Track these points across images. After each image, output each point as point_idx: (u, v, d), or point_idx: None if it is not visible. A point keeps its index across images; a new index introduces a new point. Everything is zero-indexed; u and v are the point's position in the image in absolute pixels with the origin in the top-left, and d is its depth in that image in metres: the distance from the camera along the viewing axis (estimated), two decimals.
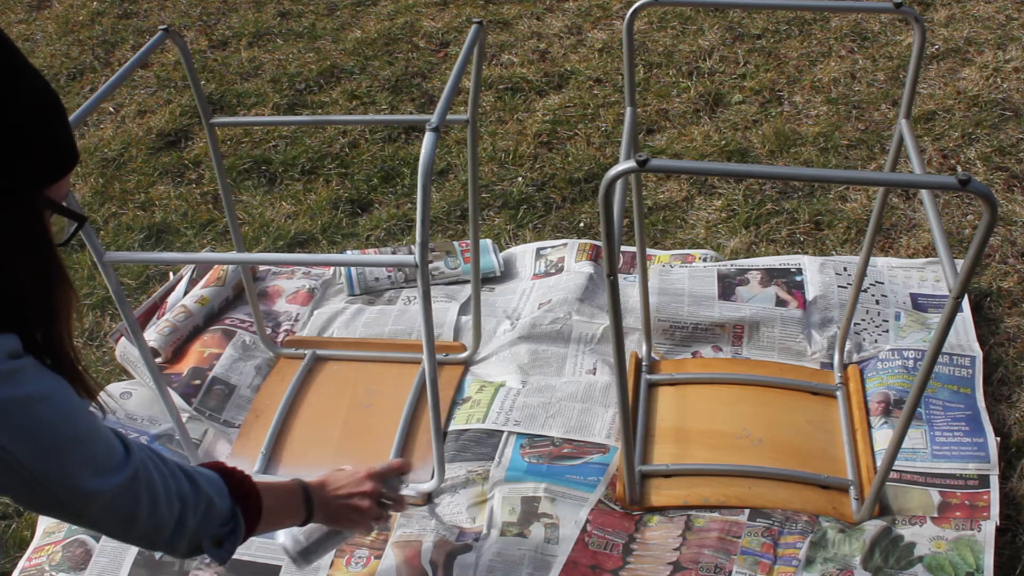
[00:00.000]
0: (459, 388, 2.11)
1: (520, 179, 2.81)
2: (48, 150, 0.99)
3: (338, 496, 1.46)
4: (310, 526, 1.50)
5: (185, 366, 2.14)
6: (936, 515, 1.74)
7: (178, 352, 2.20)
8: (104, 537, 1.77)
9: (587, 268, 2.36)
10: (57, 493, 1.03)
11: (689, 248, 2.49)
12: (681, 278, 2.32)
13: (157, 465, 1.14)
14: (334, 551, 1.66)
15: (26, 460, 0.99)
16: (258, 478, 1.37)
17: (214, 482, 1.23)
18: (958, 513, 1.74)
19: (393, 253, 2.47)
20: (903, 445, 1.64)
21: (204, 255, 2.47)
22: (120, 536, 1.14)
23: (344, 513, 1.47)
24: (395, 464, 1.57)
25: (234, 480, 1.27)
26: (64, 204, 1.05)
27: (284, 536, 1.54)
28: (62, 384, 1.04)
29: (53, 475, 1.02)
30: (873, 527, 1.70)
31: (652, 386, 2.06)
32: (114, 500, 1.08)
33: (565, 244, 2.48)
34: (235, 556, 1.71)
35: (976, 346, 2.10)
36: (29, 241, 1.00)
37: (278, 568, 1.72)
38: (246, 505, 1.26)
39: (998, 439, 1.87)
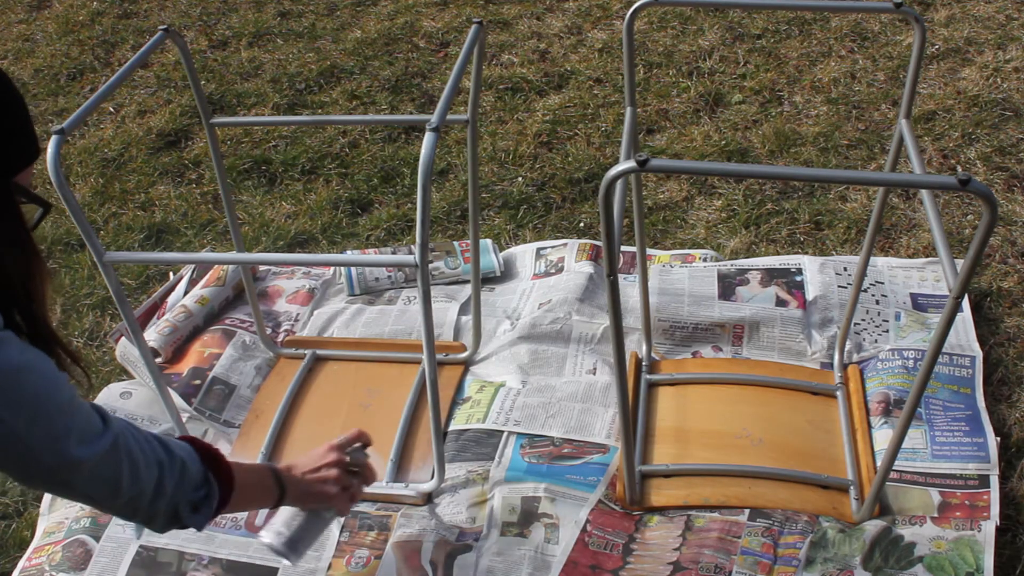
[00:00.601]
0: (459, 388, 2.11)
1: (520, 179, 2.81)
2: (19, 141, 1.09)
3: (306, 473, 1.48)
4: (287, 516, 1.53)
5: (185, 366, 2.14)
6: (936, 515, 1.74)
7: (178, 352, 2.20)
8: (104, 537, 1.77)
9: (587, 268, 2.36)
10: (46, 461, 1.09)
11: (689, 248, 2.49)
12: (681, 278, 2.32)
13: (133, 433, 1.21)
14: (319, 536, 1.63)
15: (18, 428, 1.05)
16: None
17: (185, 448, 1.29)
18: (958, 513, 1.74)
19: (393, 253, 2.47)
20: (903, 445, 1.64)
21: (204, 255, 2.47)
22: (107, 503, 1.20)
23: (315, 488, 1.49)
24: (354, 434, 1.58)
25: (202, 447, 1.33)
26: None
27: (267, 535, 1.54)
28: (44, 356, 1.11)
29: (42, 443, 1.08)
30: (873, 527, 1.70)
31: (652, 386, 2.06)
32: (98, 467, 1.15)
33: (565, 244, 2.48)
34: (234, 558, 1.73)
35: (976, 346, 2.10)
36: (6, 221, 1.09)
37: (275, 570, 1.73)
38: (217, 471, 1.32)
39: (998, 439, 1.87)
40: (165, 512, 1.25)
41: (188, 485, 1.27)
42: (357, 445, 1.58)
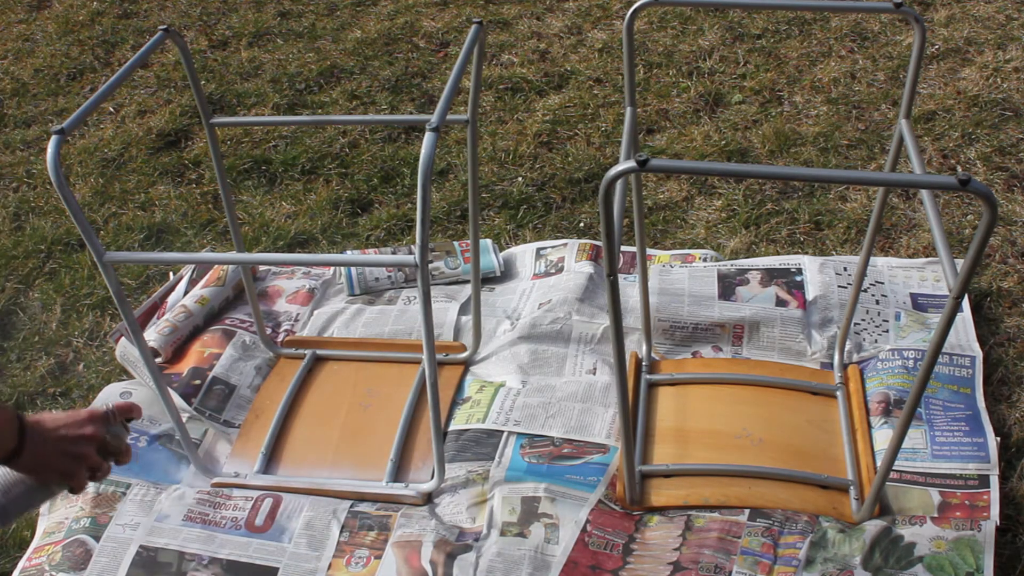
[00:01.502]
0: (459, 388, 2.11)
1: (520, 179, 2.81)
2: None
3: (56, 436, 1.22)
4: (7, 479, 1.26)
5: (185, 366, 2.14)
6: (936, 515, 1.74)
7: (178, 352, 2.20)
8: (104, 537, 1.77)
9: (587, 268, 2.36)
10: None
11: (689, 248, 2.49)
12: (681, 278, 2.32)
13: None
14: (38, 507, 1.47)
15: None
16: None
17: None
18: (958, 513, 1.74)
19: (393, 253, 2.47)
20: (903, 445, 1.64)
21: (204, 255, 2.47)
22: None
23: (58, 458, 1.23)
24: (125, 405, 1.34)
25: None
26: None
27: None
28: None
29: None
30: (873, 527, 1.70)
31: (652, 386, 2.06)
32: None
33: (565, 244, 2.48)
34: (234, 558, 1.73)
35: (976, 346, 2.10)
36: None
37: (275, 570, 1.73)
38: None
39: (998, 439, 1.87)
40: None
41: None
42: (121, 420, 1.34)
